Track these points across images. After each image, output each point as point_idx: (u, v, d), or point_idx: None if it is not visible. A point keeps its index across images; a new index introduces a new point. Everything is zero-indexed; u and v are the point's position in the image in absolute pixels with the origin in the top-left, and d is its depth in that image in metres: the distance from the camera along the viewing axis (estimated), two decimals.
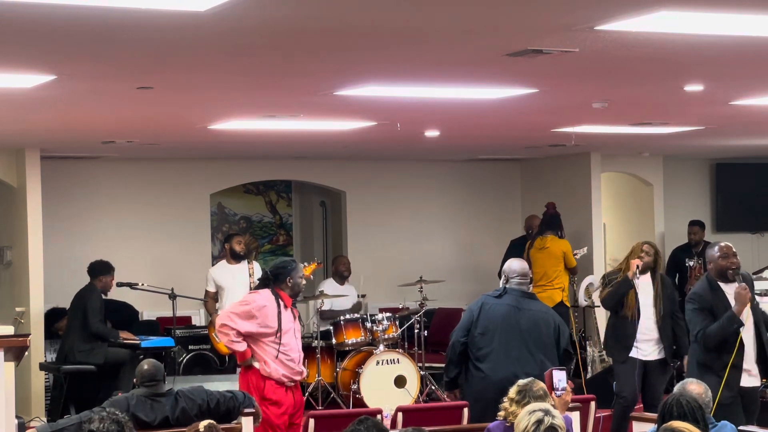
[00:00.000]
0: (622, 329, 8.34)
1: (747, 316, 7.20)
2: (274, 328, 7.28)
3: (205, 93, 7.56)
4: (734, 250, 7.31)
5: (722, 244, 7.38)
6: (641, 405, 8.64)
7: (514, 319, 7.28)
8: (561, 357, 7.28)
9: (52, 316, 11.32)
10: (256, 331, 7.27)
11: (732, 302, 7.16)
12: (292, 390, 7.41)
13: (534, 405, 5.09)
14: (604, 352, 10.24)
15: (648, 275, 8.37)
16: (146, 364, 6.55)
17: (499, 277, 7.90)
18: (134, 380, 6.64)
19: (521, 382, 5.86)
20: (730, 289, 7.23)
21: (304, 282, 7.62)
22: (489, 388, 7.07)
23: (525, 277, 7.44)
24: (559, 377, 6.22)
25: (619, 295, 8.27)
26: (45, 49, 5.76)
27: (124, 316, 11.44)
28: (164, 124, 9.27)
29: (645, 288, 8.35)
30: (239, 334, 7.27)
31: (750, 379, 7.25)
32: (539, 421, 4.86)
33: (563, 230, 12.26)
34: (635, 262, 8.29)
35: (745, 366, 7.22)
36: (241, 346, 7.29)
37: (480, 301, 7.45)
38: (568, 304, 11.89)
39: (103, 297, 10.65)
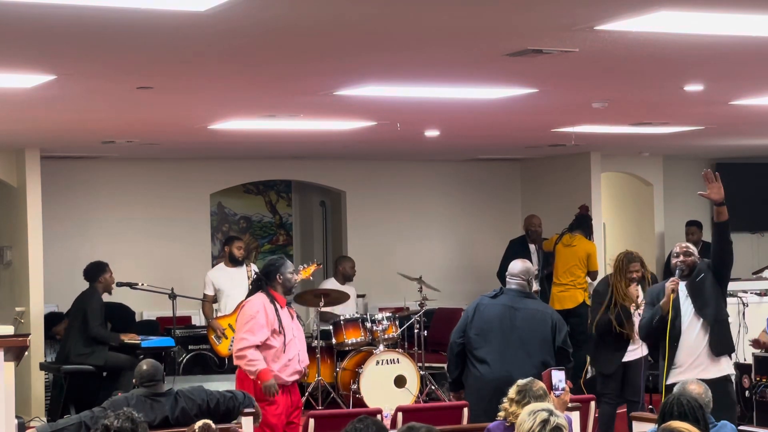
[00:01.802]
0: (615, 347, 8.40)
1: (690, 312, 7.20)
2: (277, 328, 7.30)
3: (205, 93, 7.56)
4: (690, 250, 7.29)
5: (680, 244, 7.44)
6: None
7: (509, 318, 7.29)
8: (556, 355, 7.28)
9: (51, 320, 11.32)
10: (267, 338, 7.29)
11: (681, 301, 7.20)
12: (289, 390, 7.41)
13: (536, 405, 5.08)
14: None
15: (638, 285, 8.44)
16: (145, 365, 6.55)
17: (499, 278, 7.94)
18: (134, 380, 6.64)
19: (521, 382, 5.86)
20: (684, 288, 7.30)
21: (295, 277, 7.62)
22: (485, 387, 7.10)
23: (522, 277, 7.42)
24: (559, 377, 6.23)
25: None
26: (45, 49, 5.76)
27: (121, 318, 11.43)
28: (164, 124, 9.27)
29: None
30: (257, 348, 7.24)
31: (700, 373, 7.20)
32: (545, 421, 4.85)
33: (593, 233, 12.31)
34: (634, 293, 8.30)
35: (689, 362, 7.20)
36: (261, 364, 7.22)
37: (476, 301, 7.48)
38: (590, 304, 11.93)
39: (109, 294, 10.68)
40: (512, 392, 5.81)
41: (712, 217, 7.28)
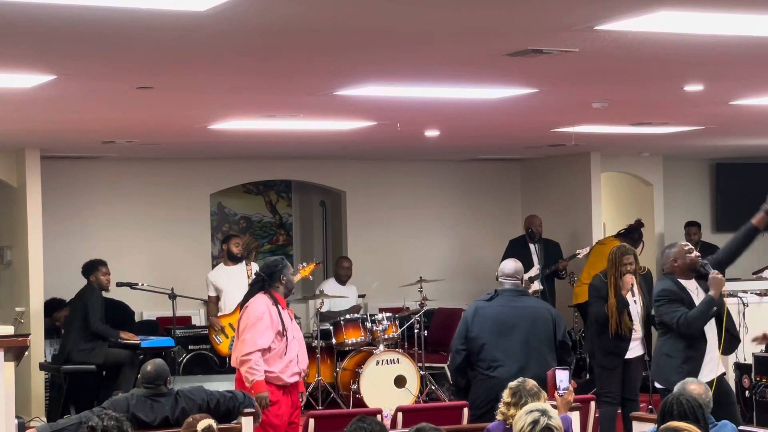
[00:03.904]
0: (614, 343, 8.42)
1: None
2: (281, 330, 7.29)
3: (205, 93, 7.56)
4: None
5: (679, 242, 7.50)
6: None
7: (508, 318, 7.34)
8: (558, 349, 7.35)
9: (52, 306, 11.31)
10: (272, 339, 7.27)
11: (695, 299, 7.27)
12: (290, 390, 7.40)
13: (532, 405, 5.10)
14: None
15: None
16: (150, 365, 6.52)
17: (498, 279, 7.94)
18: (138, 375, 6.65)
19: (512, 384, 5.87)
20: (691, 286, 7.32)
21: (295, 279, 7.63)
22: (493, 389, 7.10)
23: (516, 277, 7.49)
24: (561, 377, 6.26)
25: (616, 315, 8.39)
26: (45, 49, 5.76)
27: (120, 316, 11.43)
28: (164, 124, 9.27)
29: (632, 290, 8.47)
30: (263, 354, 7.21)
31: (709, 374, 7.28)
32: (535, 422, 4.88)
33: (639, 247, 12.30)
34: (629, 280, 8.34)
35: (711, 356, 7.30)
36: (260, 375, 7.18)
37: (473, 307, 7.52)
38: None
39: (106, 291, 10.68)
40: (506, 396, 5.83)
41: (750, 223, 7.46)
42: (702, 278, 7.37)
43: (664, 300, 7.36)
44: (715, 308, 7.22)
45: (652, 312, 7.93)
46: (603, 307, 8.40)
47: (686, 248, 7.39)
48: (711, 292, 7.23)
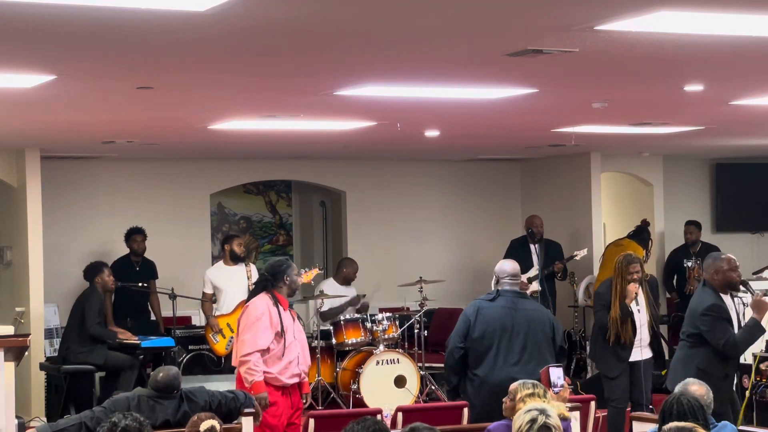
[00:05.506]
0: (618, 350, 8.41)
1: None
2: (280, 330, 7.28)
3: (205, 93, 7.56)
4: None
5: (727, 256, 7.37)
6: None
7: (510, 320, 7.34)
8: (557, 354, 7.37)
9: (132, 231, 11.56)
10: (271, 339, 7.26)
11: (732, 313, 7.25)
12: (290, 391, 7.39)
13: (531, 404, 5.12)
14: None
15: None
16: (162, 373, 6.42)
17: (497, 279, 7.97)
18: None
19: (527, 382, 5.86)
20: (728, 301, 7.29)
21: (300, 280, 7.59)
22: (489, 391, 7.10)
23: (516, 278, 7.49)
24: (557, 374, 6.26)
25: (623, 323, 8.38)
26: (45, 49, 5.76)
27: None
28: (164, 124, 9.27)
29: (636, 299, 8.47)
30: (262, 354, 7.20)
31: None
32: (533, 420, 4.89)
33: (648, 247, 12.34)
34: (633, 289, 8.32)
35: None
36: (259, 376, 7.17)
37: (475, 305, 7.47)
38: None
39: (110, 294, 10.70)
40: (513, 391, 5.81)
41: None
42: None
43: (711, 316, 7.22)
44: (760, 333, 7.21)
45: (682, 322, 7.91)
46: (606, 316, 8.38)
47: (728, 265, 7.26)
48: (755, 315, 7.18)
